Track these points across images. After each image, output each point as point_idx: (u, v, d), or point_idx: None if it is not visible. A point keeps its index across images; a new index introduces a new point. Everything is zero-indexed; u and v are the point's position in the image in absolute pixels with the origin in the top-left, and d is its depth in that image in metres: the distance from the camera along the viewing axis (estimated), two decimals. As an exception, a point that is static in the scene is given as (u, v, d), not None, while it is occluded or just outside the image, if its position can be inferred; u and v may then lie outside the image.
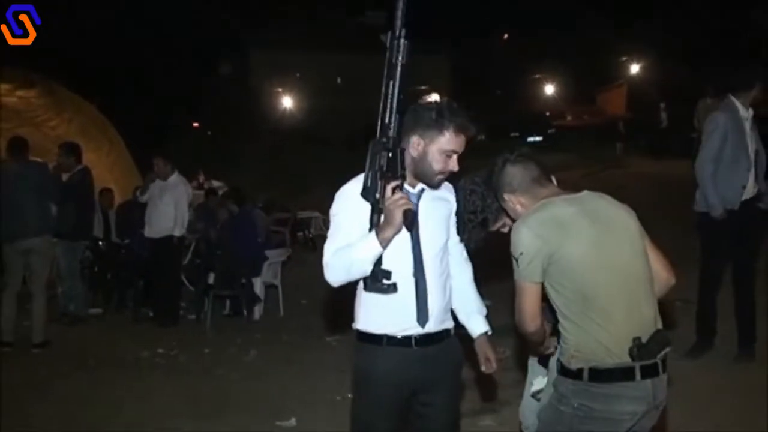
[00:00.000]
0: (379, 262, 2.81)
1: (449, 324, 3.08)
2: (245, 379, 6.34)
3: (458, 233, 3.04)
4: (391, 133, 2.75)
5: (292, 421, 5.16)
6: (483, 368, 3.14)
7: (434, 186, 2.97)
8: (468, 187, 3.01)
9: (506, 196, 2.77)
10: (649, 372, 2.51)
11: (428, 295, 2.96)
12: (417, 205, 2.92)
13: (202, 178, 16.11)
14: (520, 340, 2.74)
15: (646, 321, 2.56)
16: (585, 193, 2.71)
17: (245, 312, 8.79)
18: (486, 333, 3.13)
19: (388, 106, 2.73)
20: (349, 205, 2.89)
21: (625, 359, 2.49)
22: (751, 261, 5.82)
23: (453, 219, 3.07)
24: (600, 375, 2.50)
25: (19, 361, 6.73)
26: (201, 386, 6.13)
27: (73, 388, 6.02)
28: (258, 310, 8.86)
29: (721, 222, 5.53)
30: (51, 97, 12.08)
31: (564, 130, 30.14)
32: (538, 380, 3.07)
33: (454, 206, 3.06)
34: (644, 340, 2.50)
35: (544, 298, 2.65)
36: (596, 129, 28.63)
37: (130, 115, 20.34)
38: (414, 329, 2.94)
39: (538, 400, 3.00)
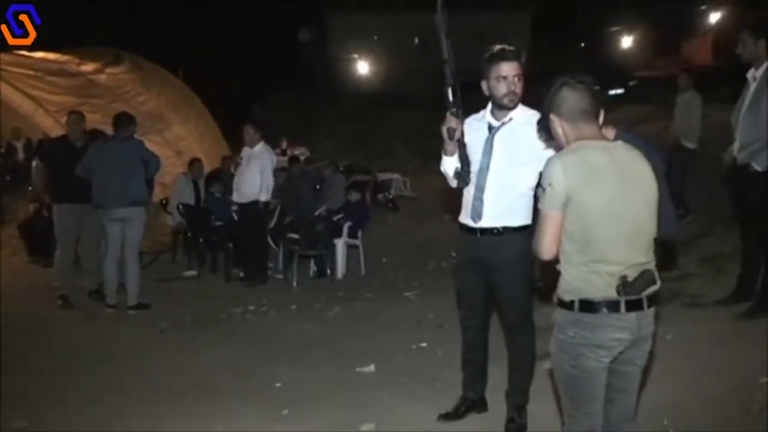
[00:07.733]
0: (464, 165, 3.88)
1: (510, 222, 3.92)
2: (329, 332, 6.72)
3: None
4: (449, 75, 3.72)
5: (371, 368, 5.49)
6: None
7: (507, 106, 3.85)
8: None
9: (552, 116, 2.93)
10: (634, 306, 2.79)
11: (484, 197, 3.91)
12: (496, 131, 3.89)
13: (285, 144, 16.53)
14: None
15: (637, 264, 2.80)
16: (620, 143, 2.95)
17: (329, 272, 9.24)
18: None
19: (447, 57, 3.70)
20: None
21: (612, 294, 2.76)
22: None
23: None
24: (589, 306, 2.79)
25: (122, 320, 7.25)
26: (289, 339, 6.53)
27: (173, 343, 6.45)
28: (341, 270, 9.29)
29: None
30: (139, 73, 12.39)
31: (646, 81, 29.39)
32: None
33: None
34: (631, 278, 2.76)
35: None
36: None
37: (215, 86, 20.87)
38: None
39: None
